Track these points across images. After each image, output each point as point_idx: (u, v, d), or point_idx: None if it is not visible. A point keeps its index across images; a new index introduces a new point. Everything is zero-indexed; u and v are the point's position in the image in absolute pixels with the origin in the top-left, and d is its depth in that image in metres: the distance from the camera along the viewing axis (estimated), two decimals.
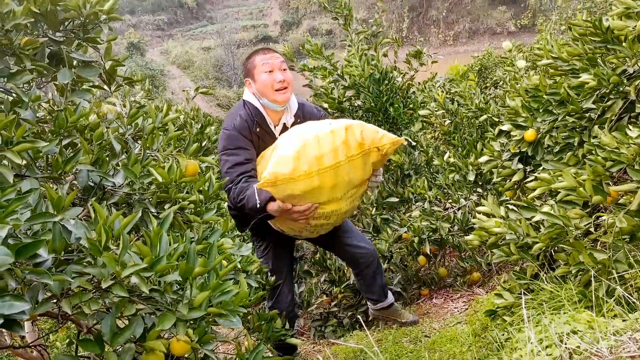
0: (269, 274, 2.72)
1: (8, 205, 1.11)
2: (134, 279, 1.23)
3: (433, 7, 46.38)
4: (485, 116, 4.19)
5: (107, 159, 1.70)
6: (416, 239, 3.66)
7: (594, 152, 2.00)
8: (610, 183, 1.94)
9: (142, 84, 5.02)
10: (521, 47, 4.87)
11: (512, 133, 2.56)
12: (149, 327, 1.35)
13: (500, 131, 2.67)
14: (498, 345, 2.09)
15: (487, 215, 2.31)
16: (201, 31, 55.50)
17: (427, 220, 3.70)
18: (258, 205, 2.33)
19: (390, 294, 3.12)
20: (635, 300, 1.66)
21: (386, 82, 4.52)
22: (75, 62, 1.84)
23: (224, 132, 2.56)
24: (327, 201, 2.38)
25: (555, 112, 2.35)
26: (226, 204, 2.80)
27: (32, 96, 1.62)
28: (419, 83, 5.18)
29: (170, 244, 1.36)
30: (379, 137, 2.39)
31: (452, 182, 3.90)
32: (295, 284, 3.82)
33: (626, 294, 1.70)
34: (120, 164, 1.76)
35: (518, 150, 2.55)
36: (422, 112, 4.62)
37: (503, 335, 2.10)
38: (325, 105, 4.45)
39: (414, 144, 4.27)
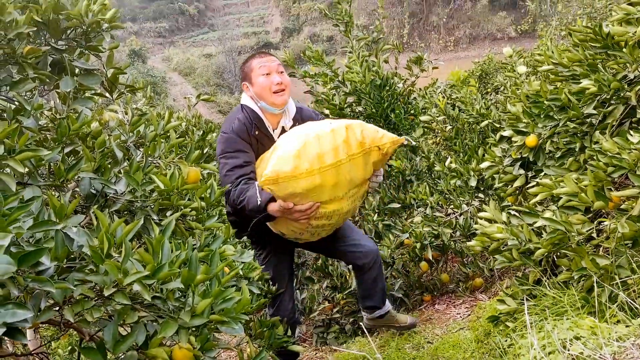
0: (270, 283, 2.71)
1: (11, 213, 1.11)
2: (136, 287, 1.23)
3: (433, 13, 46.50)
4: (486, 122, 4.19)
5: (109, 166, 1.70)
6: (418, 245, 3.66)
7: (595, 157, 2.00)
8: (612, 188, 1.94)
9: (143, 91, 5.03)
10: (522, 53, 4.88)
11: (513, 139, 2.56)
12: (151, 334, 1.34)
13: (502, 137, 2.67)
14: (501, 351, 2.08)
15: (489, 221, 2.31)
16: (202, 38, 55.75)
17: (429, 226, 3.70)
18: (259, 202, 2.31)
19: (387, 301, 3.07)
20: (638, 306, 1.66)
21: (387, 88, 4.53)
22: (77, 70, 1.85)
23: (222, 136, 2.56)
24: (328, 200, 2.37)
25: (556, 117, 2.35)
26: (224, 209, 2.79)
27: (35, 104, 1.63)
28: (420, 89, 5.19)
29: (172, 252, 1.36)
30: (379, 136, 2.39)
31: (453, 187, 3.89)
32: (297, 291, 3.81)
33: (629, 300, 1.69)
34: (122, 171, 1.77)
35: (519, 156, 2.55)
36: (423, 117, 4.62)
37: (506, 341, 2.10)
38: (327, 112, 4.46)
39: (414, 143, 4.27)
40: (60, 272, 1.25)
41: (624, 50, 2.16)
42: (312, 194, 2.29)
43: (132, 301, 1.28)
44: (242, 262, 2.04)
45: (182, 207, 1.78)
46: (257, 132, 2.57)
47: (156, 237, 1.35)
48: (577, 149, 2.28)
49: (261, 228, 2.55)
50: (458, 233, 3.71)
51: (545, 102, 2.40)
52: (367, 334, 2.63)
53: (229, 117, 2.64)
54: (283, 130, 2.64)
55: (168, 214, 1.77)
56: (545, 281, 2.12)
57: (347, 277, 3.75)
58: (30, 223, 1.21)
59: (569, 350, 1.49)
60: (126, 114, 2.19)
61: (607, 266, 1.84)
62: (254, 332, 2.36)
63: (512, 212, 2.27)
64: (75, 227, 1.32)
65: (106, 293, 1.23)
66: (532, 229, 2.10)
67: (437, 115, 4.69)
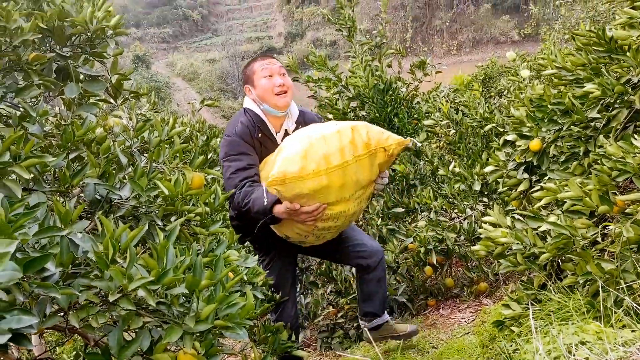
0: (273, 290, 2.69)
1: (16, 220, 1.12)
2: (141, 292, 1.24)
3: (436, 17, 46.57)
4: (490, 126, 4.19)
5: (114, 172, 1.71)
6: (422, 250, 3.65)
7: (599, 161, 2.00)
8: (617, 192, 1.94)
9: (147, 96, 5.05)
10: (525, 57, 4.88)
11: (517, 143, 2.55)
12: (155, 340, 1.35)
13: (506, 141, 2.67)
14: (506, 356, 2.08)
15: (494, 225, 2.31)
16: (206, 43, 56.02)
17: (433, 230, 3.69)
18: (265, 203, 2.29)
19: (386, 312, 2.99)
20: None
21: (390, 92, 4.54)
22: (82, 77, 1.87)
23: (225, 139, 2.55)
24: (335, 201, 2.35)
25: (560, 121, 2.35)
26: (228, 214, 2.78)
27: (40, 111, 1.64)
28: (423, 93, 5.20)
29: (176, 257, 1.36)
30: (385, 137, 2.38)
31: (457, 191, 3.89)
32: (302, 295, 3.81)
33: (634, 305, 1.69)
34: (126, 177, 1.77)
35: (523, 160, 2.54)
36: (426, 122, 4.62)
37: (511, 346, 2.09)
38: (330, 116, 4.46)
39: (419, 145, 4.27)
40: (65, 278, 1.26)
41: (628, 54, 2.16)
42: (319, 195, 2.28)
43: (137, 307, 1.28)
44: (247, 267, 2.04)
45: (187, 213, 1.78)
46: (260, 135, 2.56)
47: (161, 243, 1.35)
48: (581, 153, 2.27)
49: (265, 232, 2.53)
50: (462, 237, 3.71)
51: (549, 106, 2.40)
52: (372, 339, 2.62)
53: (232, 121, 2.64)
54: (286, 133, 2.63)
55: (172, 219, 1.77)
56: (550, 286, 2.12)
57: (351, 281, 3.75)
58: (35, 229, 1.21)
59: (574, 355, 1.48)
60: (130, 119, 2.20)
61: (613, 270, 1.83)
62: (258, 338, 2.36)
63: (517, 217, 2.26)
64: (80, 232, 1.32)
65: (111, 299, 1.23)
66: (537, 233, 2.10)
67: (441, 119, 4.70)
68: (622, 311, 1.72)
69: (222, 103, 35.07)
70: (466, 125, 4.58)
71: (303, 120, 2.69)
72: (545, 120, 2.41)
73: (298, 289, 3.69)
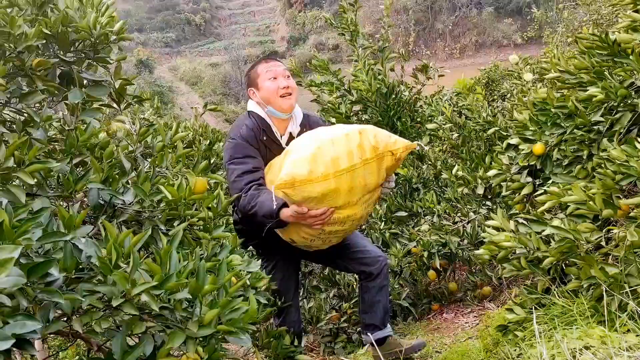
0: (276, 295, 2.67)
1: (20, 225, 1.12)
2: (144, 297, 1.24)
3: (439, 20, 46.63)
4: (493, 129, 4.18)
5: (117, 177, 1.71)
6: (425, 253, 3.65)
7: (603, 165, 1.99)
8: (621, 196, 1.93)
9: (151, 101, 5.07)
10: (528, 60, 4.87)
11: (520, 146, 2.55)
12: (159, 345, 1.35)
13: (509, 145, 2.67)
14: None
15: (497, 229, 2.30)
16: (209, 48, 56.17)
17: (437, 234, 3.69)
18: (275, 206, 2.25)
19: (389, 325, 2.85)
20: None
21: (393, 96, 4.54)
22: (85, 82, 1.87)
23: (230, 142, 2.53)
24: (343, 205, 2.34)
25: (563, 125, 2.34)
26: (232, 218, 2.77)
27: (44, 116, 1.65)
28: (426, 97, 5.20)
29: (179, 262, 1.37)
30: (392, 141, 2.37)
31: (461, 195, 3.88)
32: (304, 300, 3.80)
33: (639, 309, 1.68)
34: (130, 182, 1.78)
35: (527, 164, 2.54)
36: (429, 125, 4.62)
37: (515, 350, 2.08)
38: (333, 120, 4.46)
39: (426, 149, 4.27)
40: (68, 283, 1.26)
41: (631, 57, 2.15)
42: (327, 199, 2.26)
43: (140, 311, 1.28)
44: (249, 272, 2.04)
45: (190, 217, 1.78)
46: (265, 138, 2.54)
47: (164, 248, 1.35)
48: (584, 157, 2.27)
49: (269, 237, 2.50)
50: (466, 241, 3.70)
51: (552, 109, 2.40)
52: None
53: (236, 124, 2.62)
54: (290, 136, 2.62)
55: (175, 224, 1.78)
56: (554, 290, 2.11)
57: (354, 286, 3.74)
58: (39, 234, 1.22)
59: None
60: (134, 124, 2.21)
61: (617, 275, 1.82)
62: (260, 342, 2.36)
63: (520, 220, 2.25)
64: (84, 237, 1.33)
65: (114, 303, 1.23)
66: (541, 237, 2.09)
67: (444, 123, 4.69)
68: (627, 315, 1.71)
69: (224, 107, 35.11)
70: (469, 128, 4.58)
71: (307, 123, 2.68)
72: (549, 124, 2.41)
73: (301, 294, 3.68)
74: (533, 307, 2.12)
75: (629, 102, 2.14)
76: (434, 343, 3.21)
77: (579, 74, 2.39)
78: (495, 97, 8.30)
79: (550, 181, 2.38)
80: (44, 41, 1.71)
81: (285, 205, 2.30)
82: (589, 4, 11.78)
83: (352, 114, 4.57)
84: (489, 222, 2.35)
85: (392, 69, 4.76)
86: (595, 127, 2.26)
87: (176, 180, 1.80)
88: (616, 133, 2.17)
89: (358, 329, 3.64)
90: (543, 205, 2.18)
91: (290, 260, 2.76)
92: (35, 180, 1.49)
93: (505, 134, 4.03)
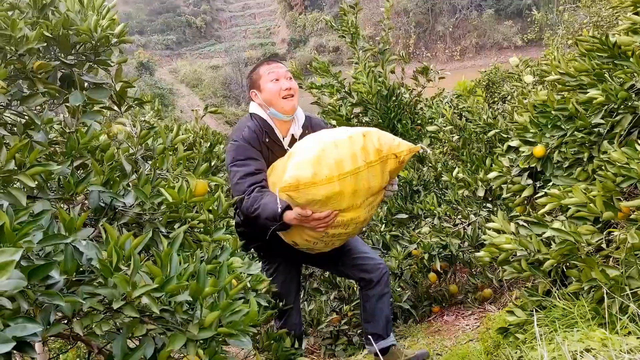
0: (277, 298, 2.65)
1: (21, 228, 1.12)
2: (145, 300, 1.24)
3: (439, 22, 46.68)
4: (493, 131, 4.18)
5: (118, 179, 1.71)
6: (426, 256, 3.65)
7: (603, 167, 1.99)
8: (621, 198, 1.93)
9: (151, 103, 5.07)
10: (528, 62, 4.88)
11: (520, 149, 2.55)
12: (159, 347, 1.35)
13: (509, 147, 2.67)
14: None
15: (498, 231, 2.30)
16: (209, 50, 56.27)
17: (437, 236, 3.69)
18: (279, 209, 2.24)
19: (392, 334, 2.82)
20: None
21: (393, 98, 4.54)
22: (86, 85, 1.87)
23: (232, 144, 2.51)
24: (346, 208, 2.32)
25: (563, 127, 2.35)
26: (233, 220, 2.76)
27: (45, 119, 1.65)
28: (427, 99, 5.20)
29: (180, 264, 1.37)
30: (396, 144, 2.36)
31: (461, 197, 3.88)
32: (305, 302, 3.80)
33: None
34: (130, 184, 1.78)
35: (527, 166, 2.54)
36: (430, 128, 4.62)
37: (516, 353, 2.08)
38: (334, 122, 4.47)
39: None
40: (69, 286, 1.26)
41: (631, 59, 2.16)
42: (331, 202, 2.25)
43: (141, 314, 1.28)
44: (250, 274, 2.04)
45: (190, 220, 1.78)
46: (267, 140, 2.53)
47: (164, 250, 1.35)
48: (585, 159, 2.27)
49: (271, 240, 2.48)
50: (466, 243, 3.70)
51: (552, 112, 2.40)
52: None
53: (238, 126, 2.61)
54: (293, 138, 2.61)
55: (176, 226, 1.78)
56: (555, 292, 2.11)
57: (355, 288, 3.74)
58: (40, 237, 1.22)
59: None
60: (134, 126, 2.21)
61: (617, 277, 1.82)
62: (261, 345, 2.36)
63: (521, 223, 2.25)
64: (85, 240, 1.33)
65: (115, 306, 1.23)
66: (541, 240, 2.09)
67: (444, 125, 4.69)
68: (628, 318, 1.71)
69: (225, 109, 35.17)
70: (470, 131, 4.58)
71: (310, 125, 2.68)
72: (549, 126, 2.41)
73: (301, 296, 3.68)
74: (534, 310, 2.12)
75: (630, 104, 2.14)
76: (434, 345, 3.21)
77: (579, 76, 2.39)
78: (496, 99, 8.31)
79: (550, 183, 2.38)
80: (45, 44, 1.71)
81: (288, 207, 2.28)
82: (589, 6, 11.79)
83: (352, 116, 4.57)
84: (490, 225, 2.36)
85: (392, 71, 4.76)
86: (595, 129, 2.26)
87: (177, 182, 1.80)
88: (617, 135, 2.17)
89: (359, 331, 3.64)
90: (543, 207, 2.18)
91: (292, 263, 2.75)
92: (36, 182, 1.49)
93: (505, 136, 4.03)
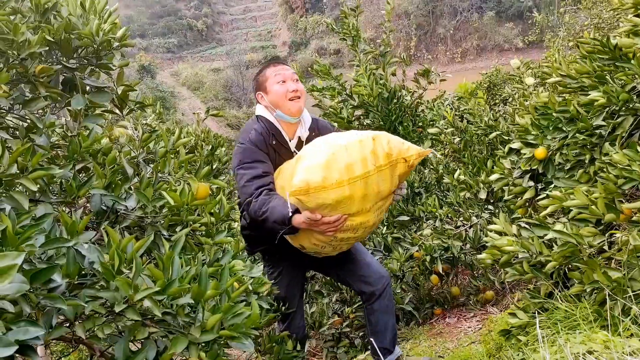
0: (281, 302, 2.64)
1: (24, 231, 1.12)
2: (147, 303, 1.24)
3: (440, 25, 46.70)
4: (495, 133, 4.18)
5: (120, 182, 1.71)
6: (428, 258, 3.64)
7: (605, 169, 1.99)
8: (623, 200, 1.93)
9: (153, 107, 5.08)
10: (529, 64, 4.88)
11: (522, 151, 2.55)
12: (161, 350, 1.35)
13: (511, 149, 2.67)
14: None
15: (499, 233, 2.30)
16: (211, 53, 56.38)
17: (439, 238, 3.68)
18: (290, 213, 2.22)
19: (397, 346, 2.81)
20: None
21: (395, 100, 4.55)
22: (88, 88, 1.88)
23: (239, 147, 2.49)
24: (356, 212, 2.30)
25: (565, 129, 2.34)
26: (236, 224, 2.75)
27: (47, 122, 1.65)
28: (428, 101, 5.20)
29: (182, 267, 1.37)
30: (405, 148, 2.34)
31: (463, 200, 3.88)
32: (307, 304, 3.79)
33: None
34: (132, 187, 1.78)
35: (529, 168, 2.54)
36: (431, 130, 4.62)
37: (518, 355, 2.07)
38: (335, 125, 4.47)
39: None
40: (71, 289, 1.26)
41: (632, 61, 2.16)
42: (341, 206, 2.23)
43: (143, 317, 1.29)
44: (252, 277, 2.04)
45: (192, 223, 1.79)
46: (274, 142, 2.51)
47: (166, 253, 1.35)
48: (586, 161, 2.27)
49: (278, 243, 2.45)
50: (468, 246, 3.69)
51: (554, 114, 2.40)
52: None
53: (245, 129, 2.58)
54: (299, 140, 2.59)
55: (178, 229, 1.78)
56: (557, 294, 2.10)
57: None
58: (42, 240, 1.22)
59: None
60: (136, 130, 2.21)
61: (620, 279, 1.82)
62: (263, 348, 2.36)
63: (523, 225, 2.25)
64: (87, 243, 1.33)
65: (117, 309, 1.23)
66: (543, 242, 2.09)
67: (446, 127, 4.69)
68: (630, 320, 1.71)
69: (226, 112, 35.21)
70: (471, 133, 4.58)
71: (316, 127, 2.66)
72: (551, 128, 2.41)
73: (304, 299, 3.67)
74: (536, 312, 2.12)
75: (631, 106, 2.14)
76: (436, 348, 3.21)
77: (580, 78, 2.39)
78: (497, 101, 8.30)
79: (552, 185, 2.38)
80: (47, 48, 1.72)
81: (297, 211, 2.26)
82: (590, 8, 11.80)
83: (353, 118, 4.58)
84: (492, 227, 2.35)
85: (393, 74, 4.76)
86: (597, 131, 2.26)
87: (178, 185, 1.80)
88: (618, 137, 2.17)
89: (360, 334, 3.63)
90: (545, 209, 2.18)
91: (298, 267, 2.73)
92: (38, 186, 1.50)
93: (507, 138, 4.03)
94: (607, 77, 2.24)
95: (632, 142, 2.03)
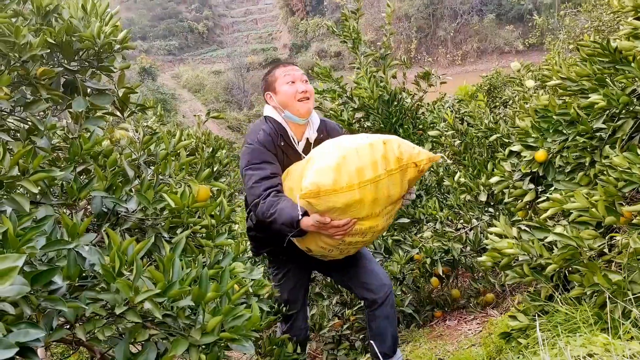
0: (285, 304, 2.64)
1: (24, 233, 1.13)
2: (147, 305, 1.24)
3: (441, 27, 46.74)
4: (495, 136, 4.18)
5: (121, 185, 1.72)
6: (428, 260, 3.64)
7: (605, 172, 1.99)
8: (623, 203, 1.93)
9: (154, 109, 5.08)
10: (530, 67, 4.88)
11: (522, 153, 2.55)
12: (162, 352, 1.35)
13: (511, 151, 2.67)
14: None
15: (500, 236, 2.30)
16: (211, 55, 56.44)
17: (439, 241, 3.68)
18: (300, 215, 2.20)
19: (398, 350, 2.82)
20: None
21: (395, 103, 4.55)
22: (89, 90, 1.88)
23: (247, 147, 2.47)
24: (366, 216, 2.29)
25: (565, 132, 2.35)
26: (237, 226, 2.76)
27: (48, 124, 1.66)
28: (428, 104, 5.20)
29: (182, 269, 1.37)
30: (416, 152, 2.33)
31: (463, 202, 3.88)
32: (307, 307, 3.79)
33: None
34: (133, 189, 1.79)
35: (529, 171, 2.54)
36: (431, 132, 4.62)
37: (518, 358, 2.07)
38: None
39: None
40: (72, 291, 1.26)
41: (633, 64, 2.16)
42: (351, 210, 2.21)
43: (143, 319, 1.29)
44: (252, 279, 2.04)
45: (193, 225, 1.79)
46: (282, 143, 2.49)
47: (167, 255, 1.36)
48: (587, 164, 2.27)
49: (284, 246, 2.43)
50: (468, 248, 3.69)
51: (554, 116, 2.40)
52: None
53: (253, 129, 2.56)
54: (307, 142, 2.57)
55: (178, 231, 1.78)
56: (557, 297, 2.10)
57: None
58: (43, 242, 1.22)
59: None
60: (137, 132, 2.22)
61: (620, 282, 1.82)
62: (263, 350, 2.36)
63: (523, 227, 2.25)
64: (87, 245, 1.33)
65: (117, 311, 1.23)
66: (543, 244, 2.09)
67: (446, 129, 4.69)
68: (630, 323, 1.71)
69: (227, 114, 35.23)
70: (471, 135, 4.58)
71: (325, 129, 2.64)
72: (551, 131, 2.41)
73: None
74: (536, 315, 2.12)
75: (631, 109, 2.14)
76: (437, 350, 3.20)
77: (580, 81, 2.39)
78: (497, 103, 8.31)
79: (552, 188, 2.38)
80: (48, 50, 1.73)
81: (305, 213, 2.24)
82: (590, 11, 11.81)
83: (354, 121, 4.58)
84: (492, 229, 2.35)
85: (394, 76, 4.77)
86: (597, 134, 2.26)
87: (179, 188, 1.80)
88: (618, 140, 2.17)
89: (361, 336, 3.63)
90: (545, 212, 2.18)
91: (303, 270, 2.72)
92: (39, 188, 1.50)
93: (507, 140, 4.03)
94: (607, 79, 2.25)
95: (632, 145, 2.03)
